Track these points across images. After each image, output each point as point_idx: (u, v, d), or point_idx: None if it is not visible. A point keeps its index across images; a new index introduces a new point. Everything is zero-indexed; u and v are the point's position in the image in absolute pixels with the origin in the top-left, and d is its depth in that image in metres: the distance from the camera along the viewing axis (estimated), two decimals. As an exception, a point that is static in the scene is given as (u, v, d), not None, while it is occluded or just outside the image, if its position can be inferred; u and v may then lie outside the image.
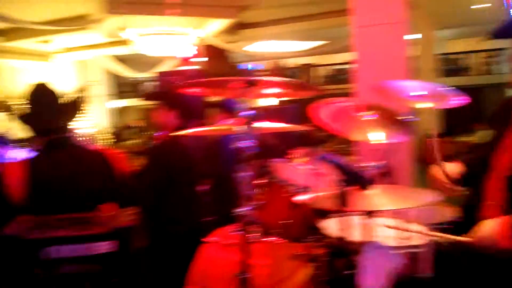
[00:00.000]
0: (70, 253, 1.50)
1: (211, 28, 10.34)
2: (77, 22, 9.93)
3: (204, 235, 2.12)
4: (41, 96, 1.88)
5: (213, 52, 11.52)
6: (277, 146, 2.46)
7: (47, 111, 1.88)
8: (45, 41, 12.44)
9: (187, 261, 2.16)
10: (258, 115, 1.60)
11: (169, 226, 2.57)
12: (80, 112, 2.01)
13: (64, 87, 15.66)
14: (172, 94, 2.88)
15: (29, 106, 1.89)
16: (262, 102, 11.48)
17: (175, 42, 9.71)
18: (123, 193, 1.83)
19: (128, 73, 14.14)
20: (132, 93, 16.44)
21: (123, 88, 16.72)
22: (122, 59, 14.38)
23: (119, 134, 13.44)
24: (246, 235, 1.64)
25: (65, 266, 1.49)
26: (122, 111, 15.80)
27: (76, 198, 1.70)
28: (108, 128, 12.76)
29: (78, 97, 2.04)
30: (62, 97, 2.01)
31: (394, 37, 3.40)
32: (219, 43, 11.16)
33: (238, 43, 12.08)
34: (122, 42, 12.49)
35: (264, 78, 1.43)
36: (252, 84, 1.41)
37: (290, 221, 1.92)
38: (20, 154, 4.27)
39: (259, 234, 1.98)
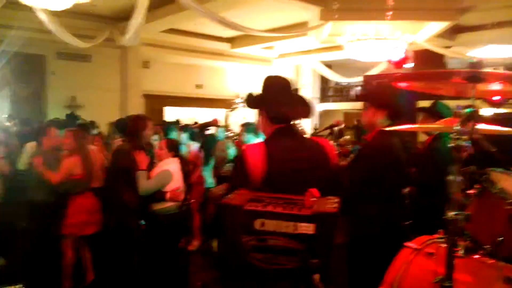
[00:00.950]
0: (276, 228, 1.65)
1: (426, 32, 9.79)
2: (296, 29, 10.74)
3: (403, 239, 2.04)
4: (275, 87, 2.08)
5: (427, 57, 10.89)
6: (498, 154, 2.19)
7: (280, 100, 2.04)
8: (269, 47, 13.89)
9: (382, 261, 2.12)
10: (479, 118, 1.46)
11: (366, 224, 2.57)
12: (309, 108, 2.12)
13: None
14: (381, 94, 2.87)
15: (263, 94, 2.08)
16: (485, 111, 10.26)
17: (386, 47, 9.55)
18: (332, 182, 1.93)
19: (336, 77, 14.58)
20: (338, 97, 16.90)
21: (329, 92, 17.35)
22: (330, 64, 14.93)
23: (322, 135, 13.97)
24: (451, 246, 1.53)
25: (273, 239, 1.64)
26: (326, 114, 16.38)
27: (297, 181, 1.87)
28: (313, 128, 13.34)
29: (302, 96, 2.17)
30: (295, 90, 2.14)
31: None
32: (434, 47, 10.47)
33: (456, 47, 11.11)
34: (332, 48, 12.97)
35: (494, 71, 1.28)
36: (477, 78, 1.28)
37: (505, 238, 1.69)
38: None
39: (466, 247, 1.81)
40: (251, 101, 2.15)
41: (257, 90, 2.10)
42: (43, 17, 8.12)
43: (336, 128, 6.46)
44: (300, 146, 2.02)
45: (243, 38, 12.96)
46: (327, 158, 2.06)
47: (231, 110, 15.66)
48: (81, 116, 10.68)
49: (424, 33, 9.76)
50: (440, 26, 9.39)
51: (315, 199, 1.67)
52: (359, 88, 15.19)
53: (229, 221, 1.72)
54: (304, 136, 2.18)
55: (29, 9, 7.68)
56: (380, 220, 2.59)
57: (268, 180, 1.88)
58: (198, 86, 15.42)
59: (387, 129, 2.08)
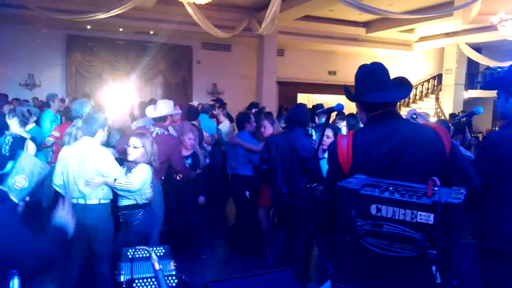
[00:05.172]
0: (393, 215, 1.63)
1: None
2: (441, 9, 9.93)
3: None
4: (371, 73, 2.01)
5: None
6: None
7: (375, 87, 1.96)
8: (409, 30, 13.09)
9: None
10: None
11: (498, 231, 2.32)
12: (410, 92, 2.03)
13: (421, 75, 16.21)
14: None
15: (358, 82, 2.02)
16: None
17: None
18: (452, 170, 1.81)
19: (486, 61, 13.10)
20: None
21: (477, 78, 15.67)
22: (479, 47, 13.45)
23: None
24: None
25: (389, 225, 1.63)
26: (473, 102, 14.85)
27: (402, 169, 1.80)
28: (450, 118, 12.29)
29: (404, 78, 2.06)
30: (391, 76, 2.05)
31: None
32: None
33: None
34: (482, 29, 11.67)
35: None
36: None
37: None
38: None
39: None
40: (348, 94, 2.12)
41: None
42: (190, 10, 8.93)
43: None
44: (397, 132, 1.90)
45: (380, 22, 12.45)
46: (437, 145, 1.86)
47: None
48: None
49: None
50: None
51: (437, 188, 1.59)
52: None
53: (344, 204, 1.74)
54: (408, 121, 2.05)
55: (178, 4, 8.52)
56: (505, 217, 2.31)
57: (355, 168, 1.82)
58: (331, 73, 15.32)
59: None
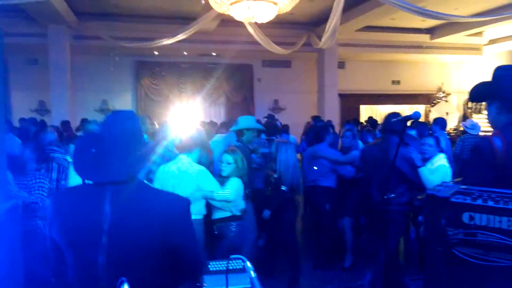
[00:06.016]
0: (488, 223, 1.57)
1: None
2: (511, 9, 9.39)
3: None
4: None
5: None
6: None
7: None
8: (477, 34, 12.44)
9: None
10: None
11: None
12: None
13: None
14: None
15: (496, 84, 1.97)
16: None
17: None
18: None
19: None
20: None
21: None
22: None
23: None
24: None
25: (483, 234, 1.57)
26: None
27: None
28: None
29: None
30: None
31: None
32: None
33: None
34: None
35: None
36: None
37: None
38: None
39: None
40: (481, 91, 2.06)
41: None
42: (251, 30, 9.14)
43: None
44: None
45: (445, 27, 11.97)
46: None
47: (432, 106, 14.64)
48: (281, 118, 11.55)
49: None
50: None
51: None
52: None
53: (433, 212, 1.70)
54: None
55: (239, 25, 8.77)
56: None
57: (507, 169, 1.76)
58: (395, 82, 14.93)
59: None
